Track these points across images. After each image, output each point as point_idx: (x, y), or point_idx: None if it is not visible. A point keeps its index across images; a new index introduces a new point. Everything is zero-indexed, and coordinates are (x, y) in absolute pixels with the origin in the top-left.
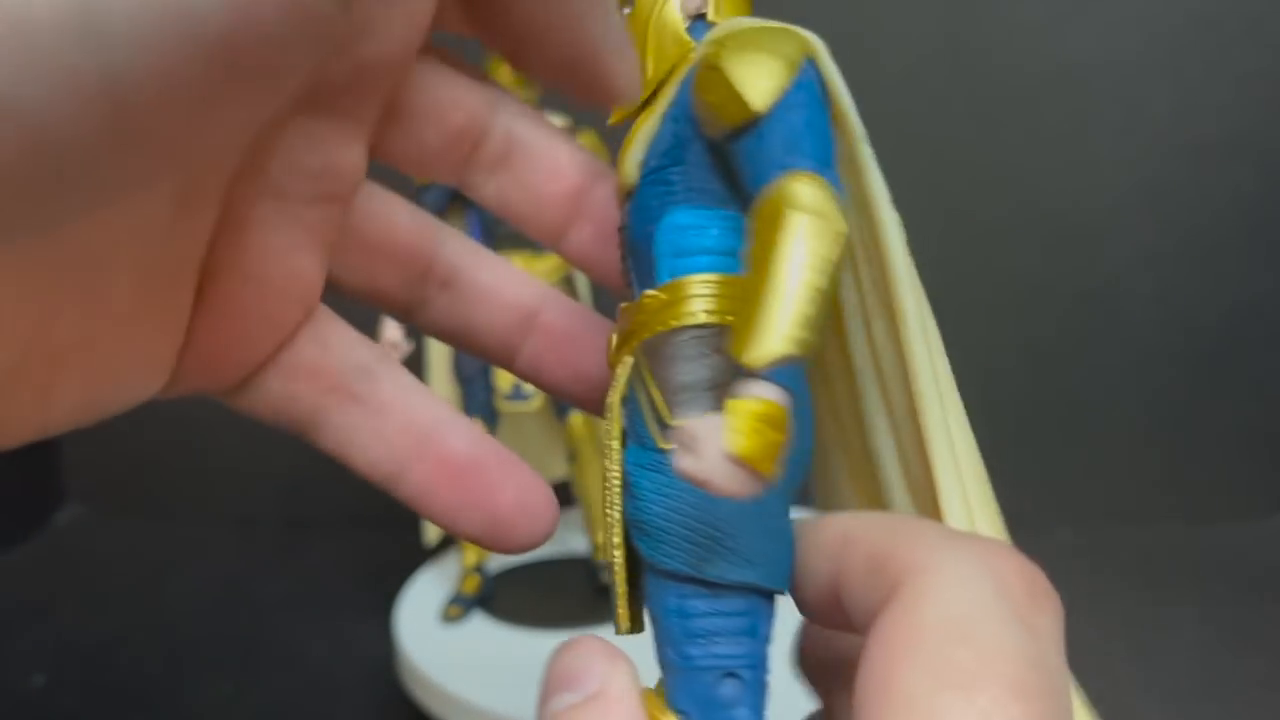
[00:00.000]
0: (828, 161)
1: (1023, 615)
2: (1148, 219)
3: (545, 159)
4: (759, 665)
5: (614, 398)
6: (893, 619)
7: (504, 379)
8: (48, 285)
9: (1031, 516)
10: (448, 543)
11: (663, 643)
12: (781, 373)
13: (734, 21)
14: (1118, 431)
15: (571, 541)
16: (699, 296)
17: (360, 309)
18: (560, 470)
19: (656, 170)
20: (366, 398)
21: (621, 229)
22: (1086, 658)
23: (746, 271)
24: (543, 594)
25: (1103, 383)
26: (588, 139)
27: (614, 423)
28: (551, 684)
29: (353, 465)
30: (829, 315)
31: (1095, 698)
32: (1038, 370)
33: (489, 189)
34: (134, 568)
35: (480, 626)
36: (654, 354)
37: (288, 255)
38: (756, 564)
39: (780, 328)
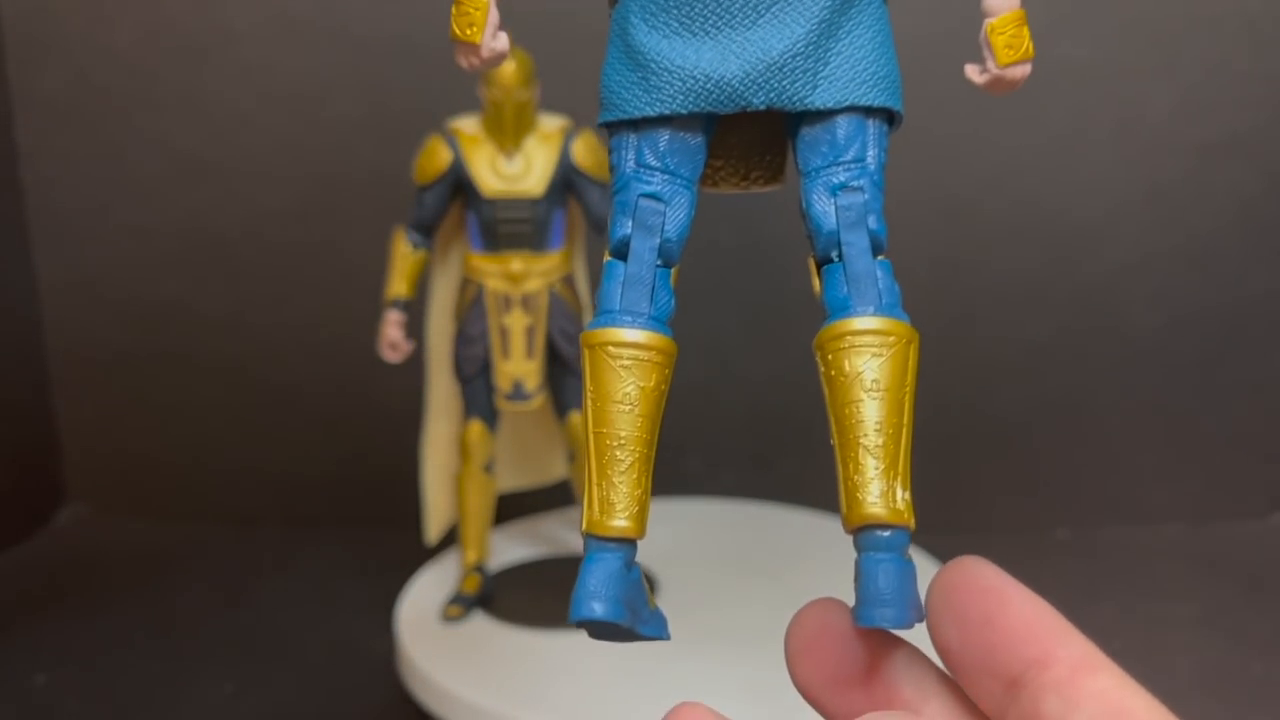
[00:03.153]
0: None
1: None
2: (1148, 219)
3: None
4: (624, 190)
5: None
6: None
7: (504, 379)
8: None
9: (1031, 516)
10: (448, 543)
11: None
12: None
13: None
14: (1118, 431)
15: (571, 541)
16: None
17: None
18: (560, 470)
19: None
20: None
21: None
22: None
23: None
24: (543, 594)
25: (1103, 383)
26: (587, 139)
27: None
28: None
29: None
30: None
31: None
32: (1038, 370)
33: None
34: (134, 568)
35: (480, 626)
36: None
37: None
38: (606, 107)
39: None
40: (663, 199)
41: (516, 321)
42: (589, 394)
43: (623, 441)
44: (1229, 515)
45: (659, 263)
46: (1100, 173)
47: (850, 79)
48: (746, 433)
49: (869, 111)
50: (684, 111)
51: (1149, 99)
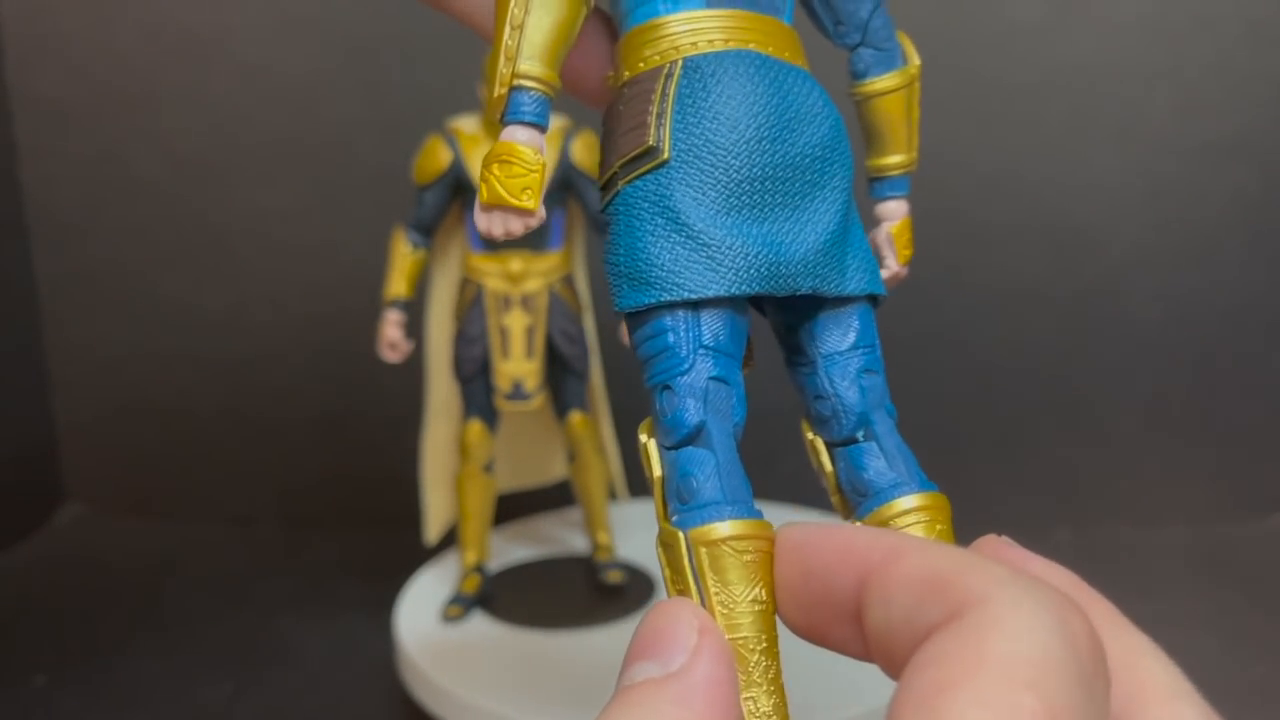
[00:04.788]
0: None
1: (1088, 678)
2: (1148, 219)
3: None
4: (689, 370)
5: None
6: (952, 644)
7: (504, 379)
8: None
9: (1031, 516)
10: (448, 543)
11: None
12: (508, 113)
13: None
14: (1118, 431)
15: (571, 541)
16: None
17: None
18: (560, 470)
19: None
20: None
21: None
22: None
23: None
24: (543, 594)
25: (1103, 383)
26: (587, 138)
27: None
28: (635, 647)
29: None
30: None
31: None
32: (1038, 370)
33: None
34: (134, 568)
35: (480, 626)
36: (609, 113)
37: None
38: (654, 284)
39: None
40: (728, 381)
41: (516, 321)
42: (714, 596)
43: (765, 646)
44: (1229, 515)
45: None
46: (1100, 173)
47: (863, 267)
48: (747, 433)
49: (873, 299)
50: (750, 293)
51: (1149, 99)
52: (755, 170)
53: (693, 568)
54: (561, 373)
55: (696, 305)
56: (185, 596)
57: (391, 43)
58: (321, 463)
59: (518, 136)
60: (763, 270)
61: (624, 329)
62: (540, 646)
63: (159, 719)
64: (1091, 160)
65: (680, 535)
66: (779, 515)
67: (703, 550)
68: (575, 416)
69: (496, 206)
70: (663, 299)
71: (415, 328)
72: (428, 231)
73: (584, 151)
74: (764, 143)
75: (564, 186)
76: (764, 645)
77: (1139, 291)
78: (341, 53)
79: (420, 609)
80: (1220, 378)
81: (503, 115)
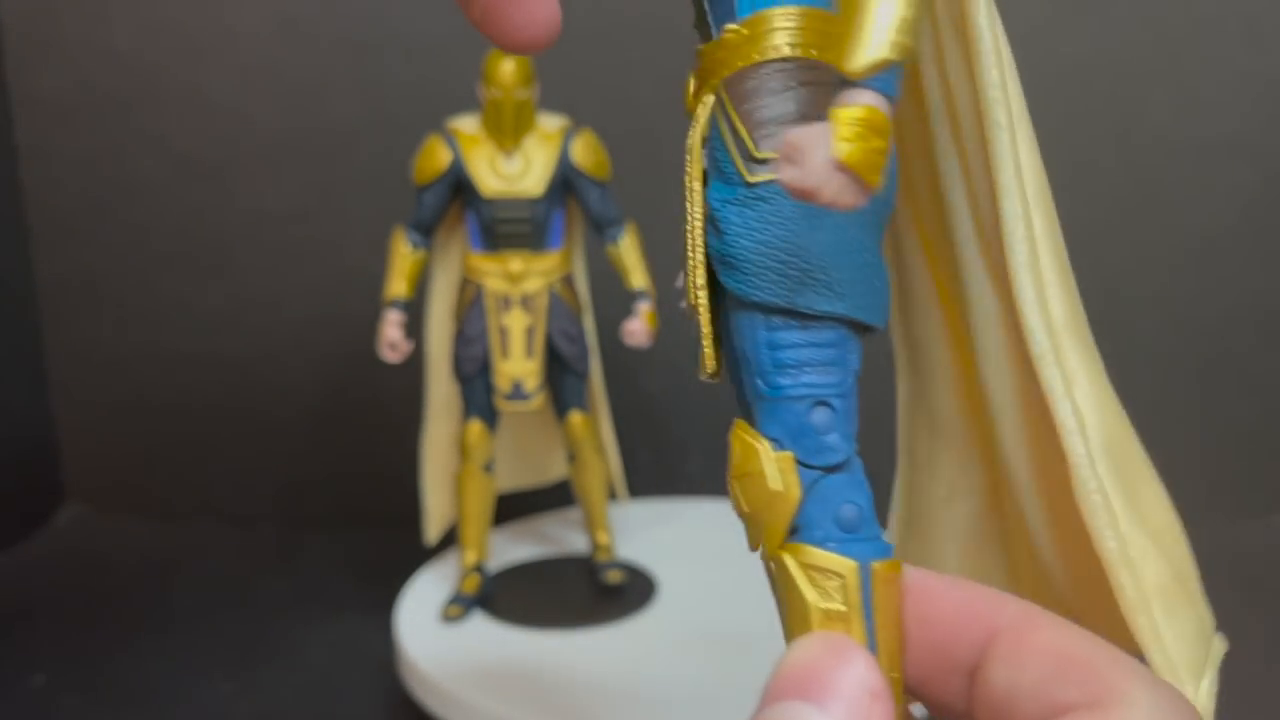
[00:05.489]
0: None
1: None
2: (1148, 219)
3: None
4: (849, 394)
5: (694, 138)
6: None
7: (504, 379)
8: None
9: None
10: (448, 543)
11: (752, 374)
12: (882, 80)
13: None
14: None
15: (571, 541)
16: (782, 29)
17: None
18: (560, 470)
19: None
20: None
21: None
22: None
23: None
24: (543, 594)
25: None
26: (587, 138)
27: (694, 164)
28: (787, 681)
29: None
30: (924, 12)
31: None
32: None
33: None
34: (134, 568)
35: (480, 626)
36: (737, 90)
37: None
38: (847, 296)
39: (881, 33)
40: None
41: (516, 321)
42: (880, 632)
43: (907, 684)
44: (1229, 515)
45: None
46: (1100, 173)
47: None
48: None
49: None
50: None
51: (1149, 99)
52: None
53: (868, 602)
54: (561, 373)
55: (864, 330)
56: (185, 596)
57: (391, 43)
58: (321, 463)
59: (888, 114)
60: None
61: (645, 312)
62: (540, 646)
63: (159, 719)
64: (1091, 160)
65: (857, 566)
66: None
67: (880, 585)
68: (575, 416)
69: (851, 170)
70: (853, 315)
71: (415, 328)
72: (428, 232)
73: (584, 151)
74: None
75: (564, 186)
76: (909, 684)
77: (1138, 291)
78: (341, 53)
79: (420, 609)
80: (1220, 378)
81: (882, 85)
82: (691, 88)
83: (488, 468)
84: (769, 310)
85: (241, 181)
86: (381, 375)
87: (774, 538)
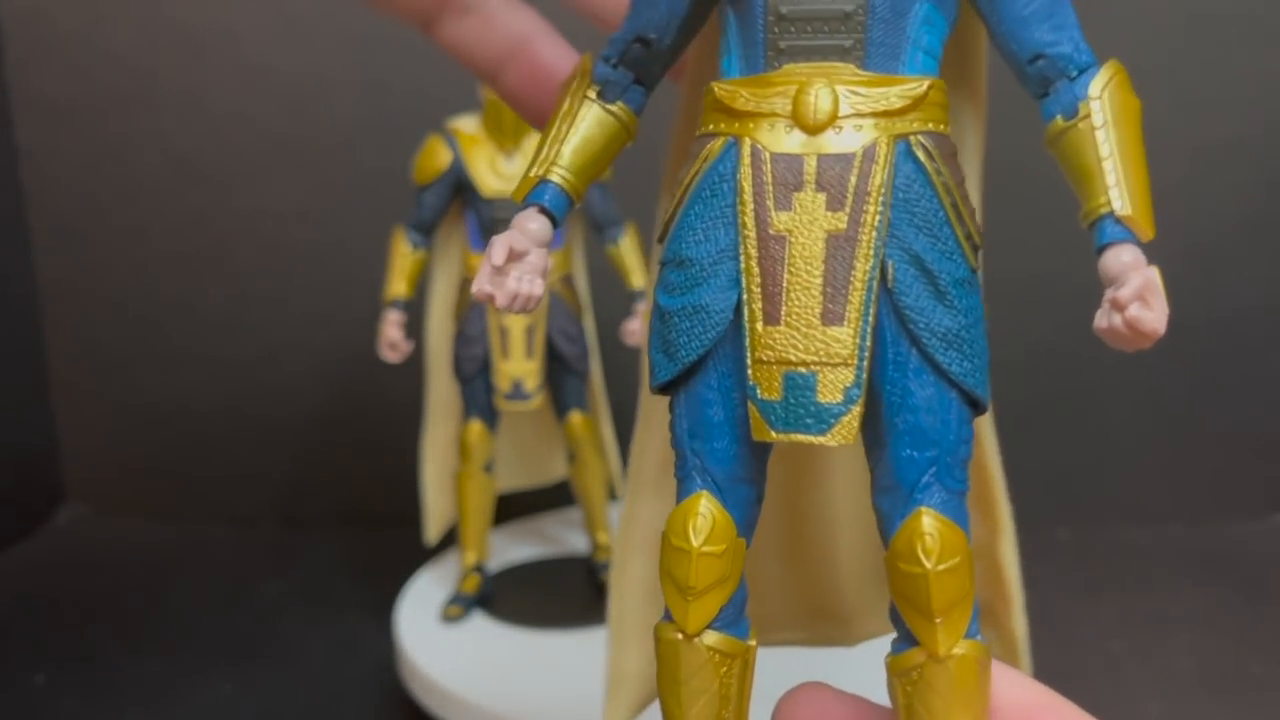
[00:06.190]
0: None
1: None
2: None
3: (507, 9)
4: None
5: (880, 178)
6: None
7: (504, 379)
8: None
9: (1031, 516)
10: (448, 543)
11: (939, 462)
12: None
13: None
14: (1118, 431)
15: (571, 541)
16: (940, 105)
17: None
18: (560, 470)
19: None
20: (478, 8)
21: None
22: (1087, 658)
23: (1111, 141)
24: (543, 594)
25: (1103, 383)
26: None
27: (875, 206)
28: None
29: (463, 60)
30: None
31: (1096, 696)
32: (1038, 370)
33: (461, 28)
34: (134, 568)
35: (480, 626)
36: (949, 157)
37: None
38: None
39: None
40: None
41: (516, 321)
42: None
43: None
44: (1229, 515)
45: None
46: None
47: None
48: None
49: None
50: None
51: (1149, 99)
52: None
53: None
54: (561, 373)
55: None
56: (185, 596)
57: (391, 43)
58: (321, 463)
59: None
60: None
61: (645, 313)
62: (540, 646)
63: (159, 719)
64: None
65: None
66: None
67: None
68: (575, 416)
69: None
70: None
71: (415, 328)
72: (428, 232)
73: None
74: None
75: None
76: None
77: None
78: (341, 53)
79: (420, 609)
80: (1220, 378)
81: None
82: (831, 103)
83: (488, 468)
84: (969, 401)
85: (241, 181)
86: (381, 375)
87: (957, 632)
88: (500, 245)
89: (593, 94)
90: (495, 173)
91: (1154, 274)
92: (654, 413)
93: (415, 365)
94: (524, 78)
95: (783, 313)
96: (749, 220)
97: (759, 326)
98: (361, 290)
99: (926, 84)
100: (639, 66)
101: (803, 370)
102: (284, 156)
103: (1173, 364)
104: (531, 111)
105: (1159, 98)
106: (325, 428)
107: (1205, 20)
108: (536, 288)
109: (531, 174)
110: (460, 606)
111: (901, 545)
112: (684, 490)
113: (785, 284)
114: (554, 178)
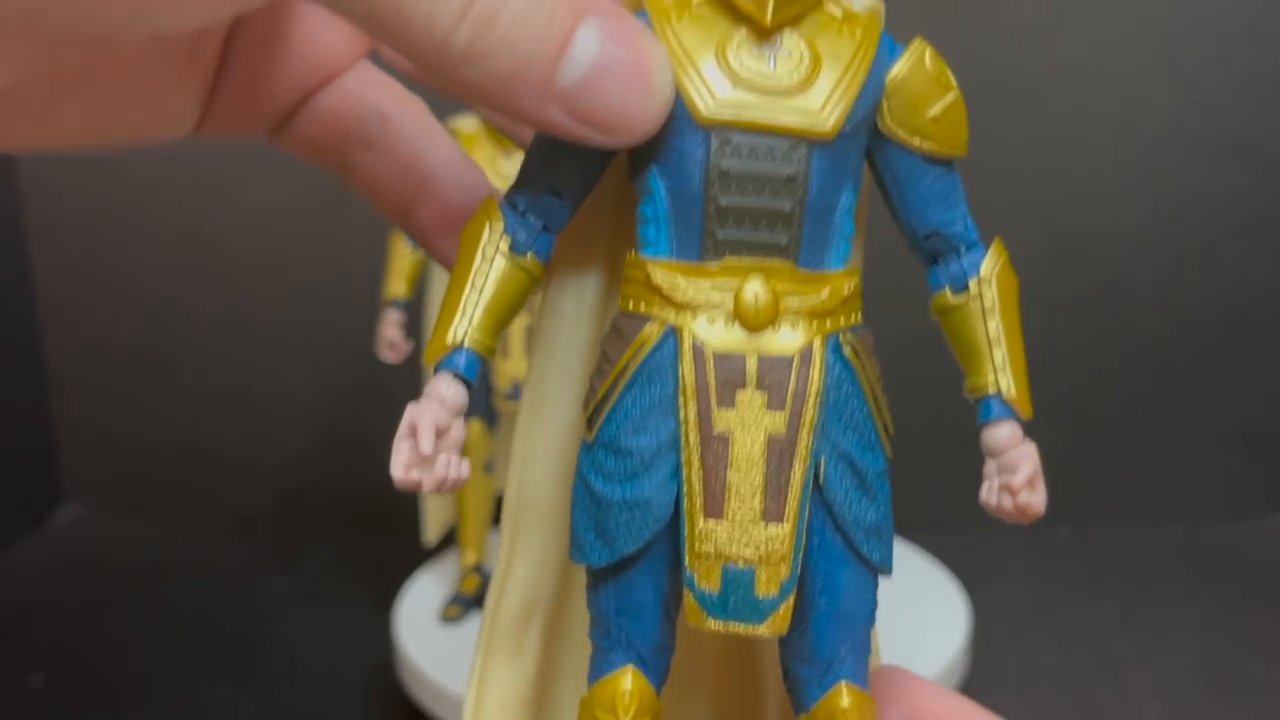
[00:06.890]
0: None
1: None
2: (1148, 219)
3: (411, 144)
4: None
5: (816, 380)
6: None
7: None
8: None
9: None
10: (447, 543)
11: (856, 636)
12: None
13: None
14: (1118, 431)
15: None
16: (859, 294)
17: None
18: None
19: (851, 136)
20: (377, 143)
21: (794, 178)
22: (1087, 657)
23: (999, 324)
24: None
25: (1103, 383)
26: None
27: (813, 409)
28: None
29: (375, 203)
30: None
31: (1096, 696)
32: (1038, 370)
33: (364, 167)
34: (134, 568)
35: (479, 626)
36: (869, 354)
37: (314, 24)
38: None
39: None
40: None
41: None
42: None
43: None
44: (1229, 515)
45: None
46: (1101, 173)
47: None
48: None
49: None
50: None
51: (1149, 99)
52: None
53: None
54: None
55: None
56: (185, 596)
57: None
58: (321, 463)
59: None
60: None
61: None
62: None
63: (159, 719)
64: (1091, 160)
65: None
66: None
67: None
68: None
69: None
70: None
71: (415, 328)
72: None
73: None
74: None
75: None
76: None
77: (1139, 291)
78: None
79: (419, 609)
80: (1220, 378)
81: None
82: (767, 301)
83: (487, 468)
84: (881, 576)
85: (241, 181)
86: (381, 375)
87: None
88: (427, 428)
89: (505, 246)
90: (495, 172)
91: (1035, 454)
92: (516, 558)
93: (415, 365)
94: (434, 221)
95: (726, 509)
96: (691, 416)
97: (699, 519)
98: (361, 290)
99: (853, 282)
100: (549, 216)
101: (741, 565)
102: (284, 156)
103: (1173, 364)
104: (440, 254)
105: (1159, 98)
106: (325, 428)
107: (1205, 20)
108: (465, 471)
109: (447, 341)
110: (459, 607)
111: (823, 717)
112: (607, 662)
113: (728, 481)
114: (468, 343)
